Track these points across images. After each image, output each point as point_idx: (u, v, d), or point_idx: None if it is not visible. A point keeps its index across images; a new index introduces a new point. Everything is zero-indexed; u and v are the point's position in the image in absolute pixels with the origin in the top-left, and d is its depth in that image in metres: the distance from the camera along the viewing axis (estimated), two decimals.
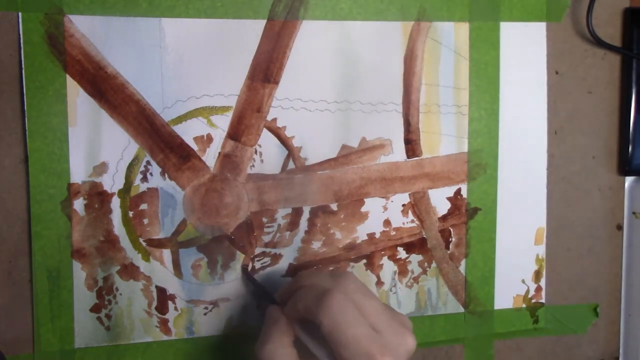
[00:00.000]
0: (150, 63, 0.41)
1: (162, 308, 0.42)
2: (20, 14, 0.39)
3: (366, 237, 0.45)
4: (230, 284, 0.43)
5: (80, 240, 0.41)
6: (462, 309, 0.47)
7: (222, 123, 0.42)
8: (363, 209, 0.45)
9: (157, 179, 0.42)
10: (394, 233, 0.46)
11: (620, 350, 0.51)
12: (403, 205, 0.45)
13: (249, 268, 0.44)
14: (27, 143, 0.39)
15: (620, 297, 0.50)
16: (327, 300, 0.33)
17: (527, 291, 0.48)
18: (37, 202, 0.40)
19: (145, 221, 0.42)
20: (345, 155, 0.44)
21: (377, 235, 0.45)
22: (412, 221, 0.46)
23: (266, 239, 0.44)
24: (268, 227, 0.44)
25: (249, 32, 0.42)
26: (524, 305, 0.48)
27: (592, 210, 0.49)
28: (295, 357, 0.34)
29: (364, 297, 0.34)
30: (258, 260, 0.44)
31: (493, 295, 0.48)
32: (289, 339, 0.35)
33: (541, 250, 0.48)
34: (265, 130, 0.43)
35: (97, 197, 0.41)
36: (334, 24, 0.43)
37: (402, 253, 0.46)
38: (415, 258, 0.46)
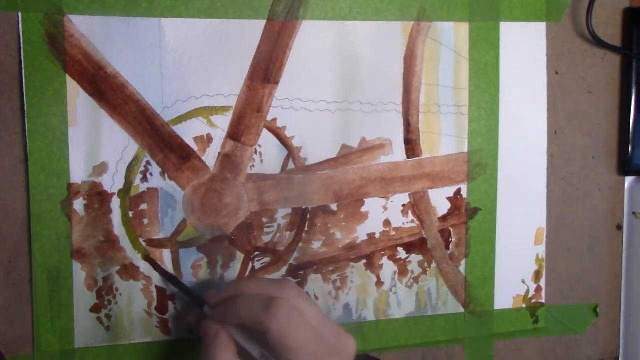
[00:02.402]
0: (150, 63, 0.41)
1: (162, 308, 0.42)
2: (20, 14, 0.39)
3: (366, 237, 0.45)
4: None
5: (80, 240, 0.41)
6: (462, 309, 0.47)
7: (222, 123, 0.42)
8: (363, 209, 0.45)
9: (157, 179, 0.42)
10: (394, 233, 0.46)
11: (620, 350, 0.51)
12: (403, 205, 0.45)
13: (248, 268, 0.44)
14: (27, 143, 0.39)
15: (620, 297, 0.50)
16: (274, 308, 0.34)
17: (527, 291, 0.48)
18: (37, 202, 0.40)
19: (145, 221, 0.42)
20: (345, 156, 0.44)
21: (377, 236, 0.45)
22: (412, 221, 0.46)
23: (266, 239, 0.44)
24: (268, 227, 0.44)
25: (249, 32, 0.42)
26: (524, 306, 0.48)
27: (592, 210, 0.49)
28: None
29: (306, 303, 0.36)
30: (258, 261, 0.44)
31: (493, 295, 0.48)
32: (233, 352, 0.36)
33: (541, 250, 0.48)
34: (265, 130, 0.43)
35: (97, 197, 0.41)
36: (334, 24, 0.43)
37: (402, 253, 0.46)
38: (415, 258, 0.46)
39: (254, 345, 0.36)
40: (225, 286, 0.39)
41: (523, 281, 0.48)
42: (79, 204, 0.40)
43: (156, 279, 0.42)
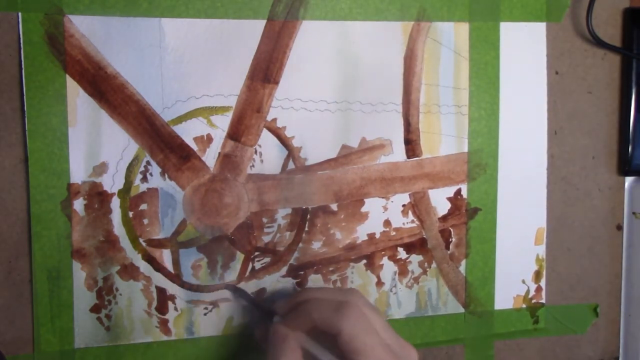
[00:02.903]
0: (150, 63, 0.41)
1: (162, 308, 0.42)
2: (20, 14, 0.39)
3: (366, 238, 0.45)
4: (230, 284, 0.43)
5: (80, 240, 0.41)
6: (462, 309, 0.47)
7: (222, 123, 0.42)
8: (363, 209, 0.45)
9: (157, 179, 0.42)
10: (394, 233, 0.46)
11: (620, 350, 0.51)
12: (403, 205, 0.45)
13: (248, 269, 0.43)
14: (27, 143, 0.39)
15: (620, 297, 0.50)
16: (347, 310, 0.35)
17: (527, 291, 0.48)
18: (37, 202, 0.40)
19: (145, 221, 0.42)
20: (345, 156, 0.44)
21: (377, 236, 0.45)
22: (412, 221, 0.46)
23: (266, 239, 0.44)
24: (268, 227, 0.44)
25: (249, 32, 0.42)
26: (524, 306, 0.48)
27: (592, 210, 0.49)
28: None
29: (373, 311, 0.37)
30: (258, 261, 0.44)
31: (493, 295, 0.48)
32: (299, 355, 0.36)
33: (541, 250, 0.48)
34: (265, 131, 0.43)
35: (97, 197, 0.41)
36: (334, 24, 0.43)
37: (402, 253, 0.46)
38: (416, 258, 0.46)
39: (322, 351, 0.36)
40: (293, 295, 0.39)
41: (523, 281, 0.48)
42: (79, 204, 0.40)
43: (156, 279, 0.42)
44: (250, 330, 0.44)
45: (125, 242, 0.41)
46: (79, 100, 0.40)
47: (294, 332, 0.36)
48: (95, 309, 0.41)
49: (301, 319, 0.36)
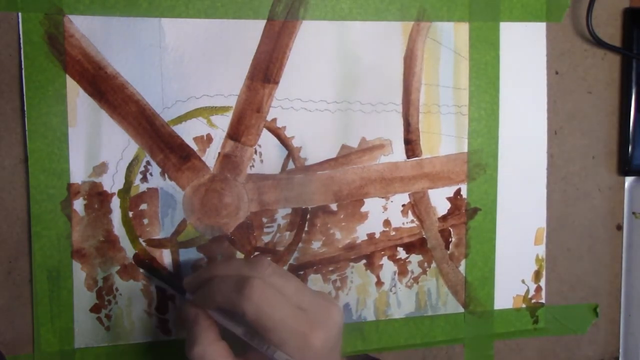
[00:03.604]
0: (150, 63, 0.41)
1: (162, 308, 0.42)
2: (20, 14, 0.39)
3: (366, 237, 0.45)
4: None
5: (80, 241, 0.41)
6: (462, 309, 0.47)
7: (222, 123, 0.42)
8: (363, 209, 0.45)
9: (157, 179, 0.42)
10: (393, 233, 0.46)
11: (620, 350, 0.51)
12: (403, 205, 0.45)
13: None
14: (27, 143, 0.39)
15: (620, 297, 0.50)
16: (247, 288, 0.33)
17: (527, 291, 0.48)
18: (37, 202, 0.40)
19: (145, 221, 0.42)
20: (345, 156, 0.44)
21: (377, 236, 0.45)
22: (412, 221, 0.46)
23: (266, 239, 0.44)
24: (268, 227, 0.44)
25: (249, 32, 0.42)
26: (524, 306, 0.48)
27: (592, 210, 0.49)
28: (226, 349, 0.34)
29: (282, 278, 0.34)
30: None
31: (493, 295, 0.48)
32: (215, 333, 0.35)
33: (541, 250, 0.48)
34: (265, 131, 0.43)
35: (97, 197, 0.41)
36: (334, 24, 0.43)
37: (402, 253, 0.46)
38: (415, 258, 0.46)
39: (237, 325, 0.35)
40: (200, 271, 0.38)
41: (523, 281, 0.48)
42: (79, 204, 0.40)
43: (156, 279, 0.42)
44: None
45: (125, 242, 0.41)
46: (79, 100, 0.40)
47: (205, 309, 0.35)
48: (95, 309, 0.41)
49: (206, 300, 0.35)
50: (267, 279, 0.34)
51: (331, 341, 0.34)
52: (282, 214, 0.44)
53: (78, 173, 0.40)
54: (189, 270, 0.42)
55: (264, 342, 0.34)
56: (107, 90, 0.40)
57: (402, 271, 0.46)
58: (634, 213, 0.49)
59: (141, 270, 0.42)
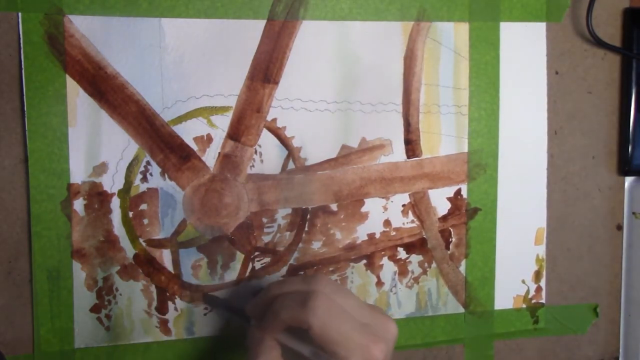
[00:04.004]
0: (150, 63, 0.41)
1: (162, 308, 0.42)
2: (20, 14, 0.39)
3: (366, 238, 0.45)
4: (229, 284, 0.43)
5: (80, 241, 0.41)
6: (462, 309, 0.47)
7: (222, 123, 0.42)
8: (363, 209, 0.45)
9: (157, 179, 0.42)
10: (394, 233, 0.46)
11: (620, 350, 0.51)
12: (403, 205, 0.45)
13: (248, 269, 0.43)
14: (27, 143, 0.39)
15: (620, 297, 0.50)
16: (312, 302, 0.33)
17: (527, 291, 0.48)
18: (37, 202, 0.40)
19: (145, 221, 0.42)
20: (345, 156, 0.44)
21: (377, 236, 0.45)
22: (412, 221, 0.46)
23: (266, 239, 0.44)
24: (268, 227, 0.44)
25: (249, 32, 0.42)
26: (524, 306, 0.48)
27: (592, 210, 0.49)
28: None
29: (342, 293, 0.35)
30: (258, 261, 0.44)
31: (493, 295, 0.48)
32: (277, 354, 0.35)
33: (541, 250, 0.48)
34: (265, 131, 0.43)
35: (97, 197, 0.41)
36: (334, 24, 0.43)
37: (402, 253, 0.46)
38: (416, 258, 0.46)
39: (304, 345, 0.35)
40: (260, 295, 0.38)
41: (523, 281, 0.48)
42: (79, 204, 0.40)
43: (156, 279, 0.42)
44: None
45: (125, 242, 0.41)
46: (79, 100, 0.40)
47: (270, 333, 0.35)
48: (95, 309, 0.41)
49: (272, 322, 0.35)
50: (328, 293, 0.34)
51: (390, 353, 0.35)
52: (282, 214, 0.44)
53: (78, 173, 0.40)
54: (189, 270, 0.42)
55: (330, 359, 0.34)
56: (107, 90, 0.40)
57: (403, 271, 0.46)
58: (634, 213, 0.49)
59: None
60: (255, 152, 0.43)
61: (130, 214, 0.41)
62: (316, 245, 0.44)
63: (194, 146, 0.42)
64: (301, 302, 0.34)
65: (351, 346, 0.33)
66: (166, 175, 0.42)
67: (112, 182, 0.41)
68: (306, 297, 0.34)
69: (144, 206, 0.42)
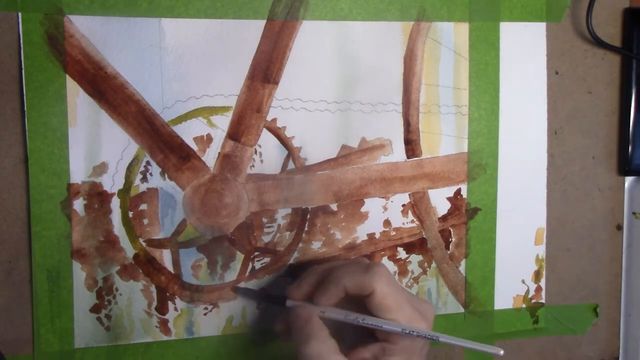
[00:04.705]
0: (150, 63, 0.41)
1: (162, 308, 0.42)
2: (20, 14, 0.39)
3: (366, 238, 0.45)
4: (230, 284, 0.43)
5: (80, 241, 0.41)
6: (462, 309, 0.47)
7: (222, 123, 0.42)
8: (363, 209, 0.45)
9: (157, 179, 0.42)
10: (394, 233, 0.46)
11: (620, 350, 0.51)
12: (403, 205, 0.45)
13: (248, 269, 0.44)
14: (27, 143, 0.39)
15: (620, 297, 0.50)
16: (377, 269, 0.37)
17: (527, 291, 0.48)
18: (37, 202, 0.40)
19: (145, 221, 0.42)
20: (345, 156, 0.44)
21: (377, 236, 0.45)
22: (412, 221, 0.46)
23: (266, 239, 0.44)
24: (268, 227, 0.44)
25: (249, 32, 0.42)
26: (524, 306, 0.48)
27: (592, 210, 0.49)
28: (336, 346, 0.36)
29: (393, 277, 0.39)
30: (258, 261, 0.44)
31: (493, 295, 0.48)
32: (327, 331, 0.37)
33: (541, 250, 0.48)
34: (265, 131, 0.43)
35: (97, 197, 0.41)
36: (334, 24, 0.43)
37: (402, 253, 0.46)
38: (415, 258, 0.46)
39: (349, 313, 0.37)
40: (303, 277, 0.40)
41: (523, 281, 0.48)
42: (79, 204, 0.40)
43: (156, 279, 0.42)
44: (252, 330, 0.44)
45: (125, 242, 0.41)
46: (79, 100, 0.40)
47: (315, 309, 0.37)
48: (95, 309, 0.41)
49: (331, 291, 0.37)
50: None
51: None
52: (282, 214, 0.44)
53: (78, 173, 0.40)
54: (189, 270, 0.42)
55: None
56: (107, 90, 0.40)
57: (402, 271, 0.46)
58: (634, 213, 0.49)
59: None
60: (255, 152, 0.43)
61: (130, 214, 0.41)
62: (316, 245, 0.44)
63: (194, 146, 0.42)
64: (364, 269, 0.37)
65: (404, 315, 0.36)
66: (166, 175, 0.42)
67: (112, 182, 0.41)
68: (369, 266, 0.37)
69: (144, 206, 0.42)
